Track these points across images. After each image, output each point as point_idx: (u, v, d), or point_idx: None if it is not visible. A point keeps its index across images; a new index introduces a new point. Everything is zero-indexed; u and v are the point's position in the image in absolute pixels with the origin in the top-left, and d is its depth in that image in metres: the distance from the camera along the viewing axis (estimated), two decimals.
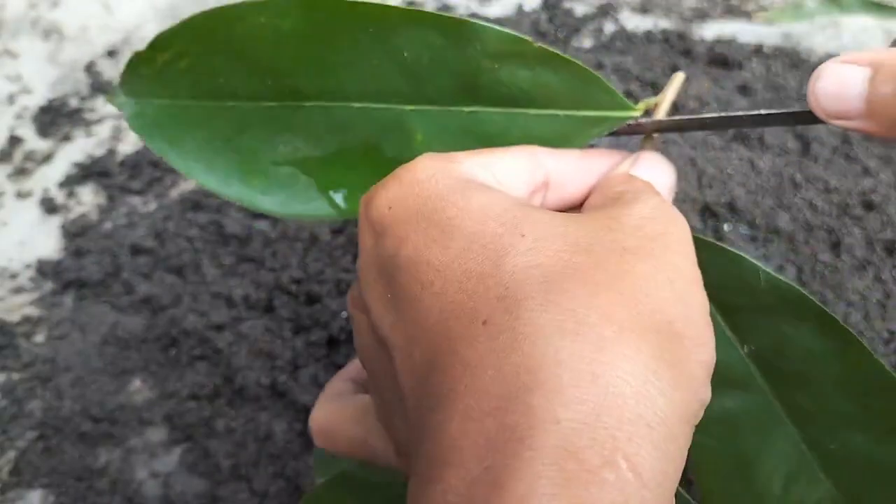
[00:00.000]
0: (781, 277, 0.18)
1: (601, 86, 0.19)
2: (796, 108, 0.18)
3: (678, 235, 0.15)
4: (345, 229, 0.36)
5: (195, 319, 0.37)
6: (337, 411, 0.19)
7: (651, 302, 0.13)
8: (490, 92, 0.18)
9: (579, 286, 0.13)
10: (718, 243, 0.18)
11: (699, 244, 0.16)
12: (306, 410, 0.31)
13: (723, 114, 0.19)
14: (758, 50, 0.48)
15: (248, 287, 0.36)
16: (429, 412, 0.13)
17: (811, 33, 0.53)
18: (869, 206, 0.35)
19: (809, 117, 0.17)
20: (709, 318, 0.15)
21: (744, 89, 0.42)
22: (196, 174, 0.20)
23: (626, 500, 0.11)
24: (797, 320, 0.18)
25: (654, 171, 0.18)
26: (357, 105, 0.18)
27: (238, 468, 0.32)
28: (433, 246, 0.14)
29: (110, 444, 0.35)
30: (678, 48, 0.48)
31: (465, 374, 0.13)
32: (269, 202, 0.19)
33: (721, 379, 0.18)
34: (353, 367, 0.22)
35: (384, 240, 0.15)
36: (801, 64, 0.47)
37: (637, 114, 0.19)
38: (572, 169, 0.18)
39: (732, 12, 0.54)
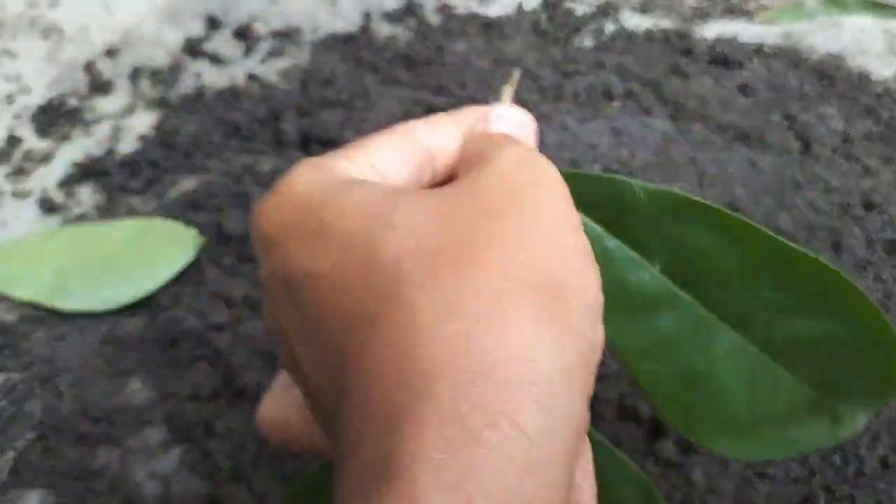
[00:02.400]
0: (658, 186, 0.18)
1: None
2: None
3: (544, 182, 0.15)
4: None
5: (195, 320, 0.36)
6: (284, 404, 0.19)
7: (524, 260, 0.13)
8: None
9: (449, 263, 0.13)
10: (582, 171, 0.18)
11: (568, 179, 0.16)
12: None
13: None
14: (758, 49, 0.48)
15: (248, 287, 0.36)
16: (336, 411, 0.14)
17: (812, 33, 0.53)
18: (869, 205, 0.35)
19: None
20: (590, 258, 0.15)
21: (744, 88, 0.42)
22: None
23: (511, 458, 0.12)
24: (690, 223, 0.17)
25: (508, 122, 0.18)
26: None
27: (237, 469, 0.32)
28: (315, 256, 0.14)
29: (109, 444, 0.35)
30: (679, 48, 0.48)
31: (358, 373, 0.13)
32: None
33: (645, 302, 0.18)
34: None
35: (272, 255, 0.16)
36: (801, 63, 0.47)
37: None
38: (448, 138, 0.18)
39: (733, 12, 0.54)
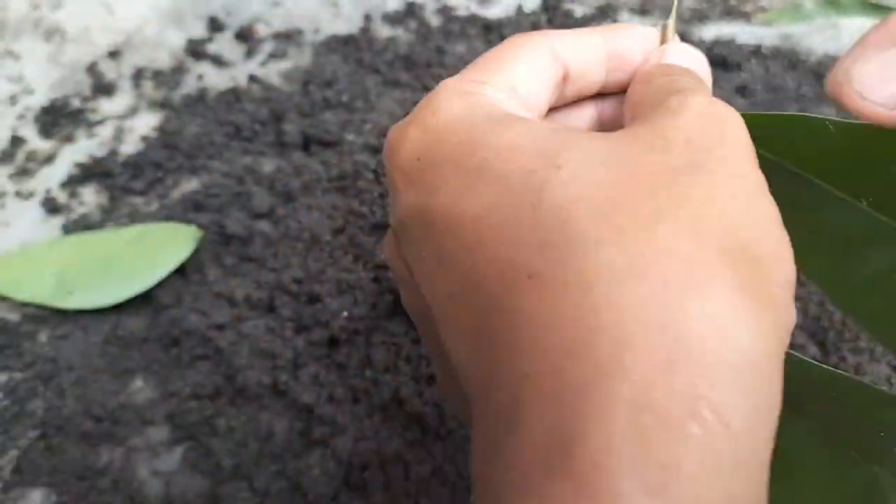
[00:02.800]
0: (848, 119, 0.16)
1: None
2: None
3: (734, 139, 0.13)
4: (345, 229, 0.36)
5: (197, 319, 0.37)
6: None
7: (716, 227, 0.12)
8: None
9: (631, 219, 0.11)
10: (765, 112, 0.17)
11: (753, 125, 0.14)
12: (307, 409, 0.32)
13: None
14: (756, 51, 0.48)
15: (250, 287, 0.36)
16: (486, 377, 0.12)
17: (810, 34, 0.53)
18: None
19: None
20: (783, 229, 0.13)
21: (742, 90, 0.42)
22: None
23: (718, 455, 0.10)
24: (890, 154, 0.16)
25: (689, 59, 0.17)
26: None
27: (239, 467, 0.33)
28: (466, 194, 0.13)
29: (112, 443, 0.36)
30: None
31: (518, 336, 0.11)
32: None
33: (851, 240, 0.16)
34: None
35: (414, 191, 0.14)
36: (799, 65, 0.47)
37: None
38: (593, 56, 0.16)
39: (731, 13, 0.54)
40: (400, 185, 0.14)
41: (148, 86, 0.53)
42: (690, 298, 0.11)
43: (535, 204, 0.12)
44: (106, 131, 0.50)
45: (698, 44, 0.49)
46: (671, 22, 0.18)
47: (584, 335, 0.11)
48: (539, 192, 0.12)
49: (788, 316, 0.12)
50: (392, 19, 0.55)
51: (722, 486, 0.10)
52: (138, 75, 0.53)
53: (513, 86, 0.15)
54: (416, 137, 0.14)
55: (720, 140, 0.13)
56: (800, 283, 0.32)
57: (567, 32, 0.17)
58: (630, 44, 0.17)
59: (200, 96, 0.51)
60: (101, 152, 0.49)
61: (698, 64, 0.17)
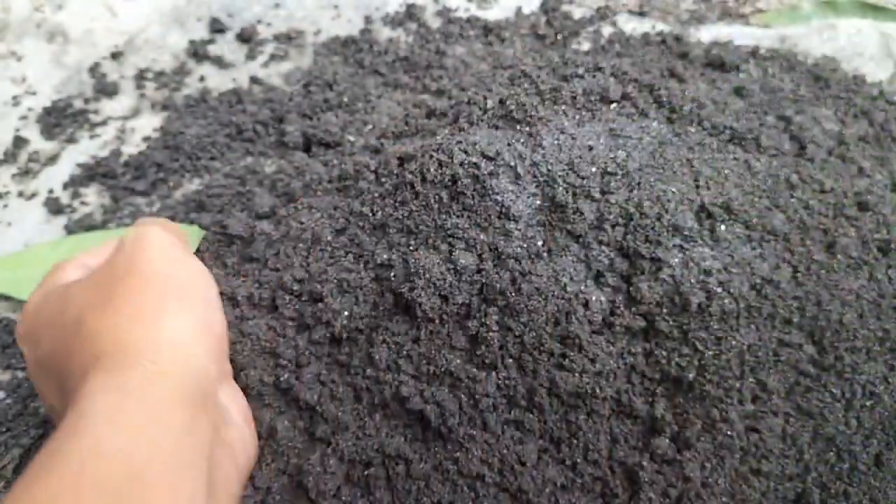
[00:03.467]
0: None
1: None
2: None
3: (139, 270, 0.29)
4: (346, 229, 0.36)
5: None
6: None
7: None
8: None
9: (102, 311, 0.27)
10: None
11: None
12: (309, 408, 0.32)
13: None
14: (754, 52, 0.49)
15: (252, 286, 0.37)
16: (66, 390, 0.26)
17: (807, 36, 0.53)
18: (864, 206, 0.35)
19: None
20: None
21: (740, 91, 0.43)
22: None
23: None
24: None
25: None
26: None
27: None
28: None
29: None
30: (675, 51, 0.49)
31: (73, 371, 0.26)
32: None
33: None
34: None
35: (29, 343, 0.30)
36: (797, 66, 0.48)
37: None
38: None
39: (729, 15, 0.54)
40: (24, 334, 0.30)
41: (150, 87, 0.53)
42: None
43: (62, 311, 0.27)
44: (108, 132, 0.50)
45: (696, 45, 0.49)
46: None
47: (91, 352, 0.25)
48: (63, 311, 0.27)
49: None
50: (392, 21, 0.56)
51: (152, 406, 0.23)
52: (140, 76, 0.53)
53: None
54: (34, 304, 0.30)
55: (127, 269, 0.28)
56: (797, 282, 0.32)
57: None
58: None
59: (202, 98, 0.51)
60: (103, 153, 0.49)
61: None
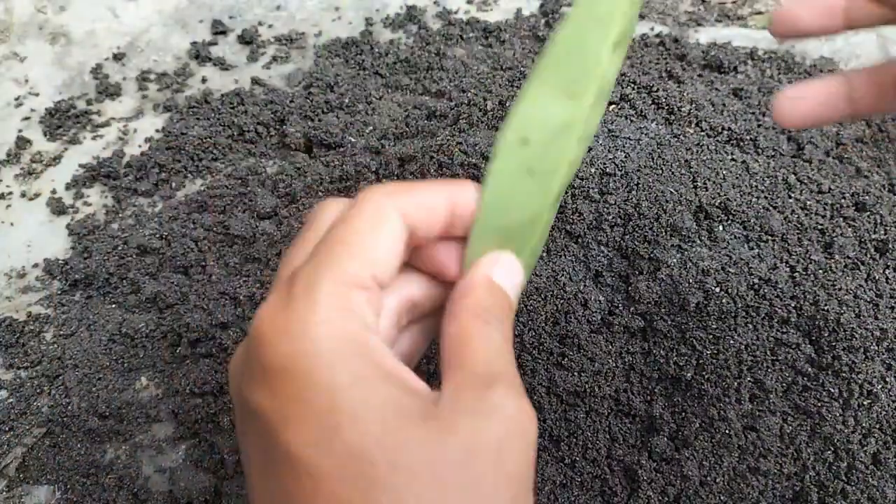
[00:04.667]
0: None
1: None
2: None
3: (522, 448, 0.17)
4: None
5: (201, 318, 0.37)
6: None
7: None
8: None
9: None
10: None
11: None
12: None
13: None
14: (752, 54, 0.49)
15: (253, 286, 0.37)
16: None
17: (805, 38, 0.53)
18: (861, 207, 0.35)
19: None
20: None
21: (738, 92, 0.43)
22: None
23: None
24: None
25: (510, 276, 0.19)
26: None
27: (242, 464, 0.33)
28: (316, 446, 0.15)
29: (117, 440, 0.36)
30: (674, 52, 0.49)
31: None
32: None
33: None
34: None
35: (270, 397, 0.16)
36: (794, 67, 0.48)
37: None
38: (436, 216, 0.19)
39: (727, 17, 0.55)
40: (258, 373, 0.16)
41: (152, 88, 0.53)
42: None
43: (368, 497, 0.15)
44: (111, 133, 0.50)
45: (694, 47, 0.50)
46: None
47: None
48: (370, 488, 0.15)
49: None
50: (393, 23, 0.56)
51: None
52: (143, 78, 0.54)
53: (374, 273, 0.18)
54: (291, 334, 0.16)
55: (506, 456, 0.16)
56: (794, 282, 0.33)
57: (412, 191, 0.19)
58: (468, 200, 0.19)
59: (204, 99, 0.51)
60: (105, 154, 0.49)
61: (516, 280, 0.20)
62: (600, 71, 0.18)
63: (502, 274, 0.19)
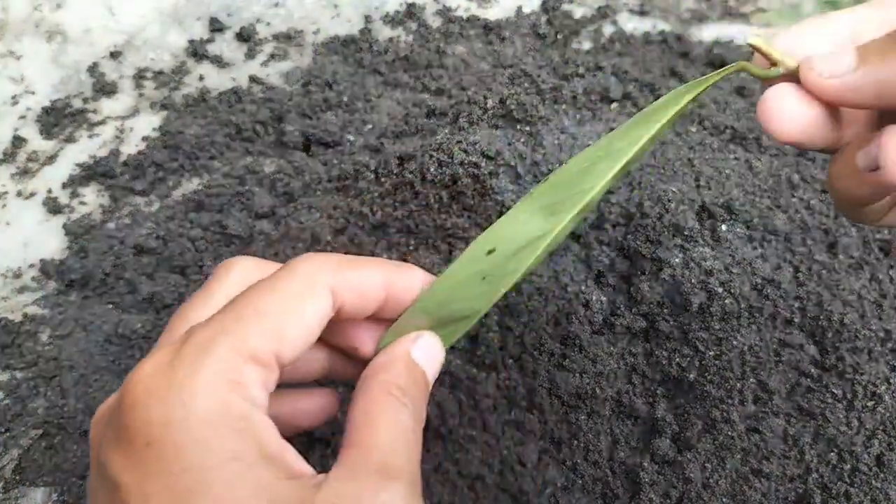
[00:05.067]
0: None
1: None
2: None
3: None
4: (346, 229, 0.36)
5: None
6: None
7: None
8: None
9: None
10: None
11: None
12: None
13: None
14: (756, 52, 0.48)
15: None
16: None
17: None
18: None
19: None
20: None
21: (741, 90, 0.43)
22: None
23: None
24: None
25: (430, 355, 0.19)
26: None
27: None
28: None
29: None
30: (676, 50, 0.49)
31: None
32: None
33: None
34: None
35: (132, 467, 0.15)
36: None
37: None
38: (371, 294, 0.18)
39: (730, 15, 0.54)
40: (123, 439, 0.15)
41: (149, 86, 0.53)
42: None
43: None
44: (107, 131, 0.50)
45: (697, 44, 0.49)
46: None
47: None
48: None
49: None
50: (392, 20, 0.55)
51: None
52: (139, 76, 0.53)
53: (278, 352, 0.16)
54: (165, 401, 0.15)
55: None
56: (798, 282, 0.32)
57: (350, 268, 0.18)
58: (407, 285, 0.18)
59: (201, 97, 0.51)
60: (102, 152, 0.49)
61: (436, 363, 0.19)
62: (591, 196, 0.19)
63: (422, 352, 0.19)
